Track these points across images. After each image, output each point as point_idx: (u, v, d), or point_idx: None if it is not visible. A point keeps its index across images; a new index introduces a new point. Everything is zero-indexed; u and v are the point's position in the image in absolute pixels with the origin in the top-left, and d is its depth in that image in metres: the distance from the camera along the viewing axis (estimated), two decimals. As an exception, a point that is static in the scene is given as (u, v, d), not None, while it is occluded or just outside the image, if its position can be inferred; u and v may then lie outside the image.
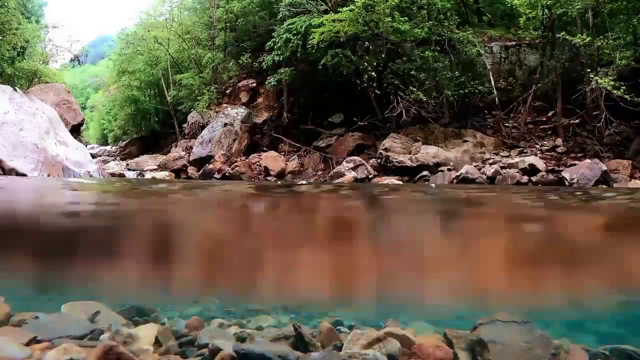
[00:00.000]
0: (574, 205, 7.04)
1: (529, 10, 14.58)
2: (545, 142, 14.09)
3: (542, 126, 14.85)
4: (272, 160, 16.30)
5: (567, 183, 11.36)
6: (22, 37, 23.16)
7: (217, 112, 19.41)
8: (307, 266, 4.98)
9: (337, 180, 13.58)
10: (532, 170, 12.23)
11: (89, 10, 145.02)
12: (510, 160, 13.03)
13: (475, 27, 17.09)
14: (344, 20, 14.64)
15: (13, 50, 22.57)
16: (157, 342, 3.39)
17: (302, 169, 16.27)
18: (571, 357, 3.24)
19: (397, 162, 13.83)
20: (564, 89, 14.21)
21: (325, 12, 16.10)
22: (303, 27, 15.94)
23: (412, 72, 14.92)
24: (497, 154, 13.84)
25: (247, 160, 16.91)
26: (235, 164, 16.56)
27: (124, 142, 29.92)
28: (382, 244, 5.28)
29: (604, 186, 10.88)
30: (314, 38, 14.95)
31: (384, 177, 13.60)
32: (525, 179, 12.11)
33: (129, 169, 18.25)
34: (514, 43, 16.59)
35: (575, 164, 12.11)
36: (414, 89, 14.43)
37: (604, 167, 11.34)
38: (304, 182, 14.08)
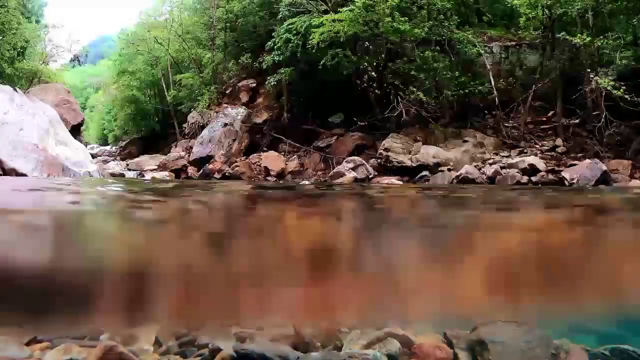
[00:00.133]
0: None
1: (529, 10, 14.55)
2: (545, 142, 14.07)
3: (542, 126, 14.83)
4: (272, 160, 16.30)
5: (567, 183, 11.35)
6: (22, 37, 23.22)
7: (217, 112, 19.41)
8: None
9: (337, 181, 13.57)
10: (532, 170, 12.21)
11: (89, 10, 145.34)
12: (510, 161, 13.01)
13: (475, 27, 17.06)
14: (344, 20, 14.62)
15: (13, 50, 22.60)
16: (157, 342, 3.39)
17: (302, 169, 16.27)
18: (571, 357, 3.24)
19: (397, 162, 13.82)
20: (564, 89, 14.20)
21: (325, 12, 16.08)
22: (303, 27, 15.93)
23: (412, 72, 14.90)
24: (497, 154, 13.82)
25: (247, 160, 16.91)
26: (235, 164, 16.56)
27: (124, 142, 29.98)
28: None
29: (604, 186, 10.88)
30: (314, 38, 14.94)
31: (384, 177, 13.60)
32: (525, 179, 12.10)
33: (129, 169, 18.27)
34: (514, 43, 16.56)
35: (575, 164, 12.09)
36: (414, 89, 14.42)
37: (604, 167, 11.32)
38: (306, 182, 14.06)
